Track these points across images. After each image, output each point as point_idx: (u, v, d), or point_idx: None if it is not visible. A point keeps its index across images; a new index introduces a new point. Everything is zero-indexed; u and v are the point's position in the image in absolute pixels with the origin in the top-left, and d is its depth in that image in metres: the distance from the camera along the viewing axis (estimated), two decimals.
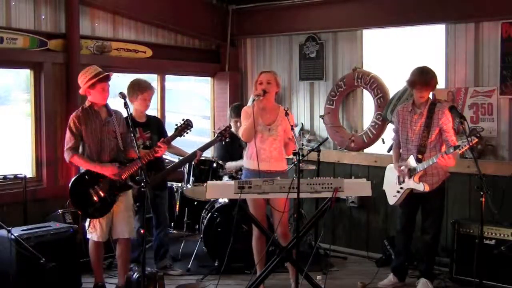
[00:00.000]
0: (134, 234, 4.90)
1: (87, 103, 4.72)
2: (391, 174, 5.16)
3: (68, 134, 4.69)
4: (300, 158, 4.09)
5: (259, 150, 4.71)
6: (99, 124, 4.68)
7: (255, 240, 4.88)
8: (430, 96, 5.70)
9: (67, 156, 4.69)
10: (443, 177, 4.93)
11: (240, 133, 4.82)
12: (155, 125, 5.55)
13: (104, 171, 4.61)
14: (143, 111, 5.45)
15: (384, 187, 5.25)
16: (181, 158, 5.56)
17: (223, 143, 5.57)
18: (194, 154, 5.43)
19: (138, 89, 5.33)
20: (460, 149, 4.56)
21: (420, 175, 4.84)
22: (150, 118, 5.59)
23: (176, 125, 5.09)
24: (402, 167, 4.93)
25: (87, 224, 4.75)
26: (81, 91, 4.71)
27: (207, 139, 7.42)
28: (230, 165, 5.89)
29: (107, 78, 4.65)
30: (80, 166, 4.71)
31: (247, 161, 4.89)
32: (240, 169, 5.81)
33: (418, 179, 4.85)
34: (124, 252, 4.81)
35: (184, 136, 5.12)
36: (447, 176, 4.97)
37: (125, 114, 4.57)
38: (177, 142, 5.52)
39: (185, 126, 5.07)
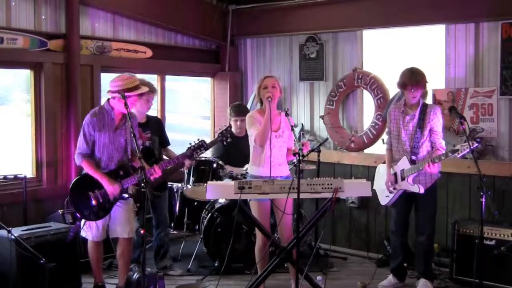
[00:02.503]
0: (134, 234, 4.89)
1: (107, 107, 4.62)
2: (381, 175, 5.15)
3: (80, 138, 4.61)
4: (300, 158, 4.09)
5: (268, 157, 4.68)
6: (112, 134, 4.60)
7: (258, 249, 4.83)
8: (430, 97, 5.74)
9: (77, 160, 4.63)
10: (435, 177, 4.93)
11: (253, 139, 4.70)
12: (155, 126, 5.54)
13: (106, 187, 4.55)
14: (145, 112, 5.44)
15: (375, 187, 5.21)
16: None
17: (224, 143, 5.56)
18: (182, 163, 5.38)
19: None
20: (458, 154, 4.55)
21: (414, 176, 4.84)
22: (150, 119, 5.58)
23: (190, 144, 5.02)
24: (390, 179, 4.93)
25: (82, 222, 4.74)
26: (110, 94, 4.57)
27: (208, 139, 7.42)
28: (234, 170, 5.87)
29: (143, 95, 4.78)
30: (88, 171, 4.62)
31: (254, 168, 4.80)
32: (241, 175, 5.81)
33: (412, 181, 4.85)
34: (125, 252, 4.79)
35: (195, 157, 5.06)
36: (438, 177, 4.97)
37: None
38: (177, 142, 5.52)
39: (198, 147, 4.98)
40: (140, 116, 5.44)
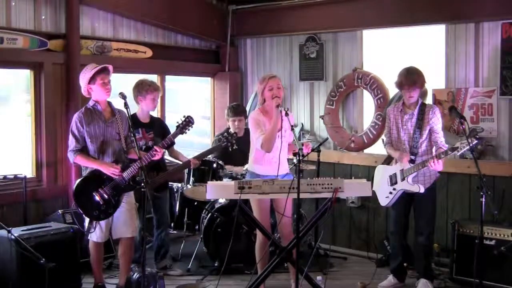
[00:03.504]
0: (137, 233, 4.90)
1: (91, 103, 4.70)
2: (381, 175, 5.14)
3: (70, 136, 4.67)
4: (300, 158, 4.08)
5: (272, 157, 4.68)
6: (102, 125, 4.66)
7: (258, 246, 4.84)
8: (430, 97, 5.74)
9: (70, 157, 4.68)
10: (434, 177, 4.93)
11: (259, 143, 4.66)
12: (158, 127, 5.54)
13: (103, 169, 4.58)
14: (150, 111, 5.46)
15: (374, 188, 5.17)
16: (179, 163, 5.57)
17: (230, 149, 5.56)
18: (188, 162, 5.40)
19: (149, 88, 5.36)
20: (457, 151, 4.55)
21: (413, 176, 4.83)
22: (154, 119, 5.59)
23: (177, 122, 5.08)
24: (406, 156, 4.88)
25: (86, 224, 4.74)
26: (83, 91, 4.70)
27: (208, 139, 7.44)
28: (234, 169, 5.88)
29: (105, 70, 4.63)
30: (84, 165, 4.67)
31: (256, 166, 4.80)
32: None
33: (412, 181, 4.84)
34: (127, 251, 4.80)
35: (186, 133, 5.09)
36: (437, 177, 4.97)
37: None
38: (178, 142, 5.52)
39: (187, 123, 5.03)
40: (144, 116, 5.45)
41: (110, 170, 4.58)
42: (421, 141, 4.85)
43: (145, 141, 5.36)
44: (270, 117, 4.70)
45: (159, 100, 6.56)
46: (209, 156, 5.91)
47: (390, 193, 5.00)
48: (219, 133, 6.17)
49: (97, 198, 4.59)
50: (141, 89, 5.36)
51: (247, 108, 6.80)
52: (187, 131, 5.03)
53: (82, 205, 4.64)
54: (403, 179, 4.87)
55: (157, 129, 5.50)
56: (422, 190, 4.80)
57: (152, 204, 5.40)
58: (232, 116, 5.99)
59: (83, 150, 4.66)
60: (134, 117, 5.37)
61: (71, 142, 4.65)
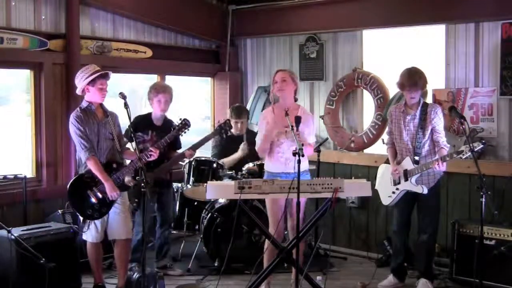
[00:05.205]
0: (131, 235, 4.90)
1: (84, 103, 4.70)
2: (384, 174, 5.14)
3: (77, 138, 4.59)
4: (300, 158, 4.08)
5: (276, 154, 4.73)
6: (96, 126, 4.67)
7: (267, 251, 4.81)
8: (430, 97, 5.74)
9: (84, 156, 4.58)
10: (438, 176, 4.93)
11: (256, 146, 4.82)
12: (166, 130, 5.47)
13: (107, 186, 4.54)
14: (158, 113, 5.45)
15: (377, 187, 5.21)
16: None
17: (224, 136, 5.55)
18: (182, 154, 5.38)
19: (154, 90, 5.39)
20: (462, 155, 4.55)
21: (417, 176, 4.83)
22: (166, 124, 5.48)
23: (173, 124, 5.09)
24: (397, 171, 4.92)
25: (81, 224, 4.74)
26: (78, 90, 4.68)
27: None
28: (226, 160, 5.89)
29: (107, 75, 4.64)
30: (92, 170, 4.57)
31: (267, 163, 4.84)
32: (236, 165, 5.83)
33: (415, 181, 4.84)
34: (122, 253, 4.80)
35: (182, 135, 5.12)
36: (441, 176, 4.96)
37: (125, 114, 4.57)
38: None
39: (183, 126, 5.08)
40: (157, 119, 5.45)
41: (112, 192, 4.56)
42: (424, 141, 4.85)
43: (150, 143, 5.34)
44: (278, 116, 4.73)
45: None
46: (209, 156, 5.92)
47: (393, 192, 4.99)
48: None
49: (92, 197, 4.59)
50: (150, 91, 5.43)
51: (247, 108, 6.79)
52: (183, 133, 5.09)
53: (77, 205, 4.64)
54: (406, 180, 4.87)
55: (165, 133, 5.46)
56: (425, 191, 4.80)
57: (156, 201, 5.42)
58: (235, 118, 6.00)
59: (95, 151, 4.63)
60: (147, 118, 5.42)
61: (81, 141, 4.57)
